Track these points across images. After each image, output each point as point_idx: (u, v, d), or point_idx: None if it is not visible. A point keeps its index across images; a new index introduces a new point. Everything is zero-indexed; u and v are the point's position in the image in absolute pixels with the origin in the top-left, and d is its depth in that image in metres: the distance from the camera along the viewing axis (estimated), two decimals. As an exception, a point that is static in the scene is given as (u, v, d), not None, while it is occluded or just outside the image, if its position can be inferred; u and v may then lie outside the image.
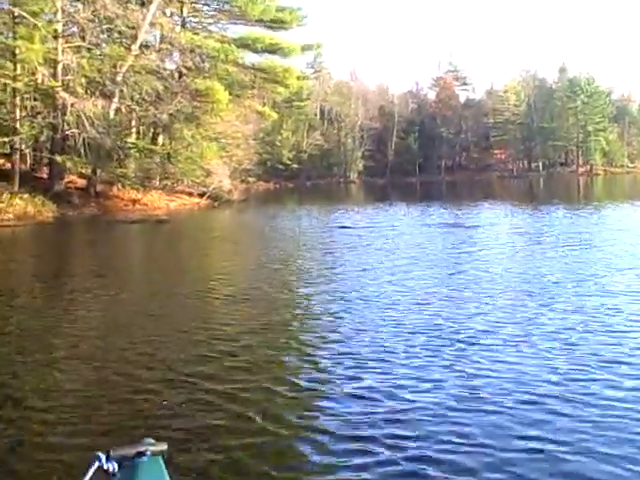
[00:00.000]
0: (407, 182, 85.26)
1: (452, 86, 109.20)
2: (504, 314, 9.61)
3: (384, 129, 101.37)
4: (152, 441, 2.55)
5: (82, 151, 35.98)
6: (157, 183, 41.02)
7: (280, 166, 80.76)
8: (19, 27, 33.10)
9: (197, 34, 41.85)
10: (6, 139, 35.54)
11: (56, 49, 35.01)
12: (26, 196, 32.33)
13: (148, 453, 2.47)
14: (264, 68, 43.63)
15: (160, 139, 43.24)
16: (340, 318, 9.72)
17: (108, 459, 2.42)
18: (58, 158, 35.53)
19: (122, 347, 8.45)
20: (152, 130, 43.97)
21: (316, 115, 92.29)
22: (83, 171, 39.46)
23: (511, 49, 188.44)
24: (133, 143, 40.00)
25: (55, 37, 35.02)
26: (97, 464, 2.39)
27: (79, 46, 36.83)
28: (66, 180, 37.84)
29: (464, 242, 19.38)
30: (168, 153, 40.53)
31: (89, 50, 36.75)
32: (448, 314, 9.69)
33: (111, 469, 2.41)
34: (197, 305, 11.38)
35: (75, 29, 37.33)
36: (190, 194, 42.60)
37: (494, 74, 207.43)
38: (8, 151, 37.21)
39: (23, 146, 36.93)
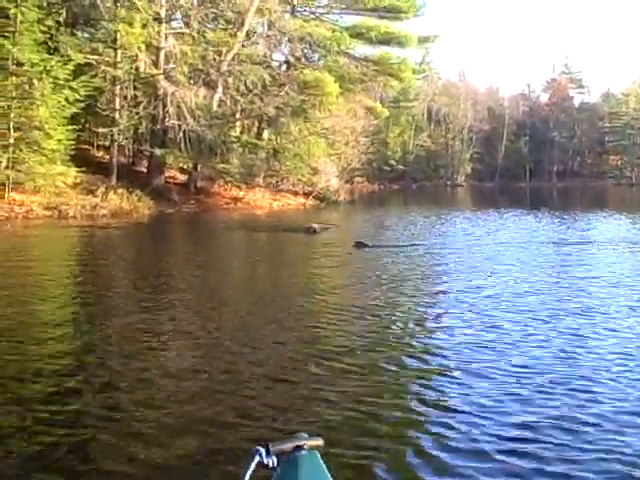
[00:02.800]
0: (516, 187, 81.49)
1: (567, 89, 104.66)
2: None
3: (493, 131, 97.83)
4: (307, 436, 2.54)
5: (183, 145, 33.78)
6: (261, 181, 38.43)
7: (385, 167, 77.95)
8: (120, 10, 30.96)
9: (307, 22, 38.95)
10: (105, 130, 33.75)
11: (158, 34, 32.90)
12: (122, 191, 30.36)
13: (306, 447, 2.48)
14: (377, 59, 40.37)
15: (265, 134, 40.66)
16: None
17: (268, 454, 2.43)
18: (157, 151, 33.50)
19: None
20: (257, 124, 41.42)
21: (423, 116, 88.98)
22: (184, 166, 37.37)
23: (630, 51, 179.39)
24: (237, 137, 37.50)
25: (157, 21, 32.87)
26: (258, 459, 2.42)
27: (182, 32, 34.66)
28: (166, 175, 35.79)
29: (581, 264, 15.33)
30: (274, 149, 37.81)
31: (192, 37, 34.42)
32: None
33: (271, 464, 2.43)
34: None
35: (178, 14, 35.09)
36: (295, 193, 39.93)
37: (611, 77, 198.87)
38: (108, 143, 35.48)
39: (121, 137, 34.89)
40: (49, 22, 29.63)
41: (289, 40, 37.74)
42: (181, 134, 33.34)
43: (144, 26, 31.71)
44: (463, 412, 5.72)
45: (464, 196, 67.88)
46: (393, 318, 9.32)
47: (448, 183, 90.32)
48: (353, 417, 5.61)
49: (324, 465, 2.48)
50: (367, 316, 9.46)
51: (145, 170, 36.45)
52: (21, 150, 27.37)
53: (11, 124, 27.25)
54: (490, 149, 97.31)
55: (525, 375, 6.66)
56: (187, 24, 34.93)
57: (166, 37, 33.38)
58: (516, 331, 8.49)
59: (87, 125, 36.00)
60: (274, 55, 40.32)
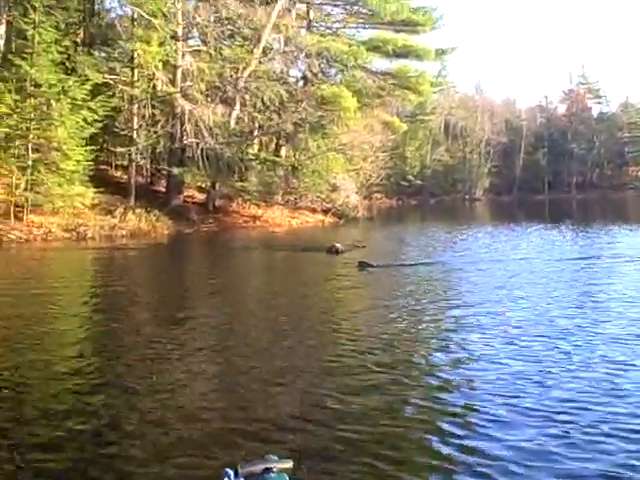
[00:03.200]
0: (535, 200, 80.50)
1: (584, 99, 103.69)
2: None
3: (511, 144, 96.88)
4: (277, 458, 2.54)
5: (201, 163, 33.54)
6: (279, 198, 38.09)
7: (403, 182, 77.43)
8: (137, 29, 30.88)
9: (324, 36, 38.68)
10: (123, 149, 33.61)
11: (175, 52, 32.78)
12: (140, 211, 30.14)
13: (275, 470, 2.47)
14: (395, 73, 40.00)
15: (283, 150, 40.37)
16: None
17: (236, 475, 2.44)
18: (175, 170, 33.28)
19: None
20: (275, 140, 41.14)
21: (440, 130, 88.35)
22: (202, 185, 37.13)
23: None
24: (255, 154, 37.31)
25: (174, 39, 32.77)
26: None
27: (199, 50, 34.52)
28: (184, 194, 35.56)
29: (612, 281, 14.57)
30: (292, 165, 37.49)
31: (209, 55, 34.26)
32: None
33: None
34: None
35: (195, 32, 34.96)
36: (313, 210, 39.54)
37: (629, 87, 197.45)
38: (126, 163, 35.33)
39: (139, 157, 34.72)
40: (66, 42, 29.62)
41: (306, 55, 37.42)
42: (199, 152, 33.11)
43: (161, 44, 31.63)
44: (498, 459, 5.22)
45: (483, 210, 67.24)
46: (415, 348, 8.84)
47: (466, 197, 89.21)
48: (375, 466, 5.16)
49: None
50: (387, 345, 8.89)
51: (163, 189, 36.25)
52: (39, 171, 27.22)
53: (29, 145, 27.15)
54: (508, 162, 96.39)
55: (568, 413, 6.10)
56: (204, 42, 34.84)
57: (183, 55, 33.25)
58: (552, 361, 7.85)
59: (105, 145, 35.86)
60: (291, 71, 40.20)
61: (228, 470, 2.45)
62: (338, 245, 21.62)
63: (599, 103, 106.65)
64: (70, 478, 5.00)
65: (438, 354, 8.48)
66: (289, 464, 2.54)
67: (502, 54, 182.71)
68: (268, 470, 2.47)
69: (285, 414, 6.24)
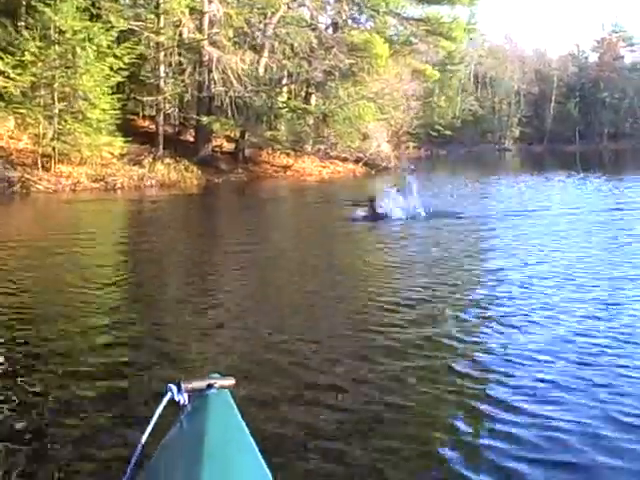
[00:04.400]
0: (566, 150, 78.21)
1: (617, 47, 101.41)
2: None
3: (541, 94, 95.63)
4: (219, 375, 2.58)
5: (229, 112, 32.84)
6: (309, 148, 37.30)
7: (432, 132, 76.13)
8: (162, -28, 29.98)
9: (354, -20, 37.53)
10: (150, 98, 32.94)
11: (202, -1, 31.90)
12: (169, 161, 29.66)
13: (216, 386, 2.50)
14: (428, 19, 38.71)
15: (313, 99, 39.43)
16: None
17: (179, 391, 2.45)
18: (204, 119, 32.52)
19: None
20: (304, 89, 40.17)
21: (470, 80, 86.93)
22: (230, 134, 36.42)
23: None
24: (284, 103, 36.41)
25: (201, -15, 31.84)
26: (169, 395, 2.44)
27: (226, -5, 33.58)
28: (213, 144, 34.86)
29: None
30: (323, 113, 36.54)
31: (237, 0, 33.31)
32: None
33: (182, 401, 2.46)
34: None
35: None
36: (344, 160, 38.72)
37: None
38: (153, 113, 34.66)
39: (167, 106, 33.97)
40: (91, -13, 28.80)
41: (336, 0, 36.32)
42: (227, 101, 32.41)
43: (187, -11, 30.72)
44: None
45: (513, 161, 66.20)
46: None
47: (496, 147, 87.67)
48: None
49: (234, 403, 2.47)
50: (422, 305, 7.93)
51: (192, 139, 35.57)
52: (66, 121, 26.67)
53: (55, 94, 26.57)
54: (539, 112, 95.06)
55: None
56: (231, -13, 33.83)
57: (209, 1, 32.28)
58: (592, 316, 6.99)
59: (132, 94, 35.19)
60: (320, 18, 39.02)
61: (171, 385, 2.47)
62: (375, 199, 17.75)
63: (632, 51, 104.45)
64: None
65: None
66: (231, 381, 2.57)
67: (532, 3, 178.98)
68: (210, 386, 2.50)
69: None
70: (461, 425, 4.58)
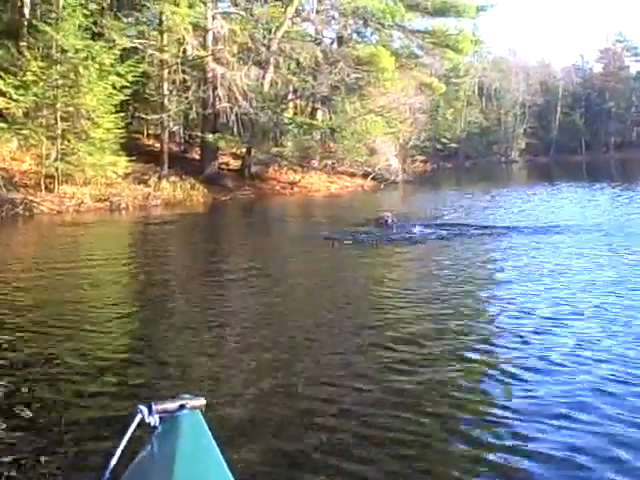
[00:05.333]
0: (573, 160, 78.19)
1: (622, 57, 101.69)
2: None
3: (547, 105, 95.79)
4: (190, 396, 2.54)
5: (235, 128, 32.42)
6: (316, 163, 36.81)
7: (438, 145, 75.76)
8: (164, -12, 29.57)
9: (360, -6, 37.06)
10: (154, 116, 32.52)
11: (205, 15, 31.48)
12: (174, 179, 29.22)
13: (188, 407, 2.47)
14: (434, 31, 38.25)
15: (319, 114, 39.01)
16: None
17: (150, 413, 2.41)
18: (209, 137, 32.11)
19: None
20: (310, 104, 39.74)
21: (474, 92, 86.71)
22: (236, 151, 35.97)
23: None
24: (290, 118, 35.92)
25: (203, 2, 31.44)
26: (139, 417, 2.39)
27: (229, 12, 33.20)
28: (219, 161, 34.40)
29: None
30: (331, 128, 36.03)
31: (241, 16, 32.95)
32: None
33: (153, 422, 2.41)
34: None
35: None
36: (352, 175, 38.27)
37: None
38: (158, 131, 34.29)
39: (172, 124, 33.55)
40: (92, 6, 28.42)
41: (341, 15, 35.92)
42: (233, 117, 31.98)
43: (190, 6, 30.31)
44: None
45: (519, 172, 65.91)
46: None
47: (502, 159, 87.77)
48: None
49: (205, 424, 2.42)
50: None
51: (197, 157, 35.13)
52: (69, 141, 26.22)
53: (58, 114, 26.11)
54: (544, 123, 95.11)
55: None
56: (235, 3, 33.44)
57: (213, 17, 31.92)
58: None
59: (136, 112, 34.80)
60: (325, 32, 38.63)
61: (141, 407, 2.41)
62: (388, 215, 17.41)
63: (637, 61, 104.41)
64: None
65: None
66: (202, 401, 2.53)
67: (536, 16, 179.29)
68: (182, 407, 2.46)
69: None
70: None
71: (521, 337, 6.87)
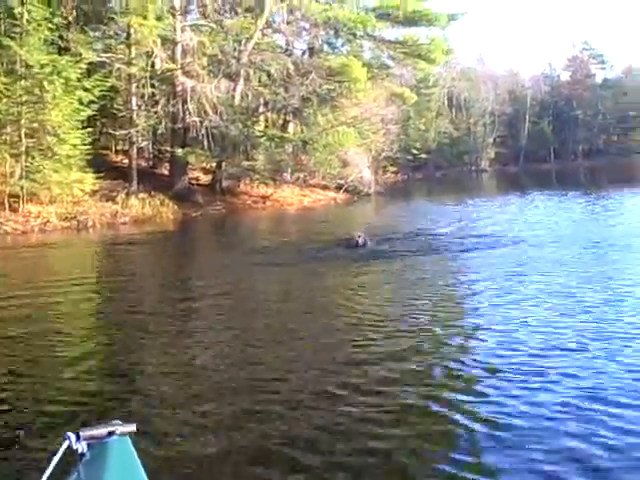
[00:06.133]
0: (542, 169, 78.97)
1: (588, 65, 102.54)
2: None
3: (515, 114, 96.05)
4: (120, 422, 2.55)
5: (205, 143, 31.78)
6: (288, 176, 36.28)
7: (408, 156, 75.62)
8: (131, 0, 28.87)
9: (330, 4, 36.63)
10: (122, 132, 31.80)
11: (174, 28, 30.88)
12: (143, 196, 28.55)
13: (117, 433, 2.48)
14: (405, 41, 37.92)
15: (291, 127, 38.48)
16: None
17: (78, 439, 2.42)
18: (179, 152, 31.43)
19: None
20: (282, 116, 39.20)
21: (444, 102, 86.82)
22: (207, 166, 35.33)
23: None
24: (262, 131, 35.33)
25: (172, 14, 30.82)
26: (67, 444, 2.40)
27: (199, 24, 32.58)
28: (189, 176, 33.73)
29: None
30: (304, 141, 35.47)
31: (211, 29, 32.36)
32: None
33: (80, 449, 2.42)
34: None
35: (194, 5, 33.01)
36: (325, 187, 37.78)
37: (632, 51, 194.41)
38: (126, 146, 33.61)
39: (140, 139, 32.81)
40: (57, 19, 27.65)
41: (312, 25, 35.45)
42: (203, 131, 31.36)
43: (159, 19, 29.70)
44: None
45: (489, 182, 66.04)
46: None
47: (472, 169, 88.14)
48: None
49: (134, 451, 2.43)
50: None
51: (167, 172, 34.44)
52: (34, 158, 25.55)
53: (23, 131, 25.42)
54: (513, 132, 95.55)
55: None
56: (204, 15, 32.82)
57: (182, 30, 31.31)
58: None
59: (104, 128, 34.06)
60: (296, 43, 38.17)
61: (69, 434, 2.38)
62: (359, 235, 15.90)
63: (603, 69, 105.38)
64: None
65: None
66: (132, 428, 2.50)
67: (503, 26, 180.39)
68: (111, 434, 2.43)
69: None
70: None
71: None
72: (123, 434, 2.48)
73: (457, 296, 10.62)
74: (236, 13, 34.05)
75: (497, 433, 4.94)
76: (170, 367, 7.08)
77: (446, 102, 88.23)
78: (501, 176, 73.02)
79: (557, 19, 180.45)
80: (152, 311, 10.53)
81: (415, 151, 76.94)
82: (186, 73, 31.25)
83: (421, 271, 12.79)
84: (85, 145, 26.91)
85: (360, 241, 15.56)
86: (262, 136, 34.55)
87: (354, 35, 36.68)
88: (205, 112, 30.96)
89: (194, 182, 34.46)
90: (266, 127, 38.02)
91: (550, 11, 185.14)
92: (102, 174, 27.74)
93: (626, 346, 6.87)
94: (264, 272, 13.59)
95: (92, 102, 27.43)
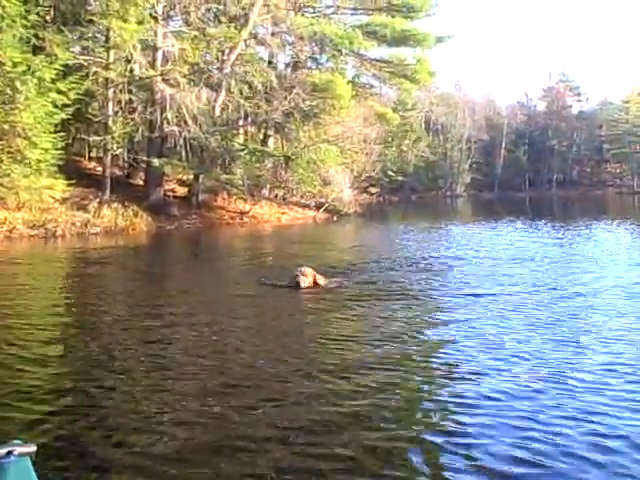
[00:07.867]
0: (516, 197, 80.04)
1: (565, 96, 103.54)
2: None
3: (492, 141, 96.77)
4: (20, 442, 2.50)
5: (183, 153, 30.66)
6: (267, 193, 35.24)
7: (385, 178, 75.07)
8: (113, 2, 27.66)
9: (316, 19, 35.81)
10: (97, 138, 30.57)
11: (155, 33, 29.80)
12: (116, 206, 27.32)
13: (15, 453, 2.40)
14: (391, 60, 37.24)
15: (271, 141, 37.51)
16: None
17: None
18: (155, 162, 30.25)
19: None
20: (262, 130, 38.22)
21: (421, 126, 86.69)
22: (184, 177, 34.21)
23: (626, 59, 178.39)
24: (242, 145, 34.27)
25: (154, 19, 29.74)
26: None
27: (181, 31, 31.53)
28: (165, 188, 32.58)
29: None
30: (286, 157, 34.44)
31: (194, 36, 31.32)
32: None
33: None
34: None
35: (177, 11, 31.89)
36: (304, 206, 36.81)
37: (608, 85, 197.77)
38: (101, 153, 32.47)
39: (115, 147, 31.50)
40: (33, 17, 26.37)
41: (298, 38, 34.58)
42: (181, 141, 30.22)
43: (140, 22, 28.54)
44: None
45: (464, 207, 65.62)
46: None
47: (447, 194, 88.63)
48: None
49: (33, 472, 2.36)
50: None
51: (142, 182, 33.35)
52: (2, 161, 24.19)
53: (-9, 132, 24.08)
54: (489, 159, 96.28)
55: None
56: (187, 22, 31.78)
57: (164, 36, 30.24)
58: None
59: (77, 133, 32.79)
60: (280, 57, 37.45)
61: None
62: (302, 274, 12.41)
63: (579, 101, 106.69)
64: None
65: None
66: (32, 448, 2.42)
67: (481, 52, 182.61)
68: (10, 453, 2.35)
69: None
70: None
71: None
72: (22, 454, 2.39)
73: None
74: (220, 22, 33.05)
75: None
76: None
77: (423, 126, 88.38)
78: (476, 202, 73.18)
79: (534, 48, 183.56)
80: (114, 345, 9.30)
81: (392, 173, 76.50)
82: (166, 80, 30.17)
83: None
84: (57, 150, 25.60)
85: (302, 283, 12.34)
86: (243, 149, 33.46)
87: (339, 51, 35.84)
88: (184, 122, 29.88)
89: (170, 194, 33.36)
90: (245, 140, 37.01)
91: (527, 40, 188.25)
92: (74, 181, 26.42)
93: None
94: (231, 294, 12.50)
95: (66, 105, 26.11)
